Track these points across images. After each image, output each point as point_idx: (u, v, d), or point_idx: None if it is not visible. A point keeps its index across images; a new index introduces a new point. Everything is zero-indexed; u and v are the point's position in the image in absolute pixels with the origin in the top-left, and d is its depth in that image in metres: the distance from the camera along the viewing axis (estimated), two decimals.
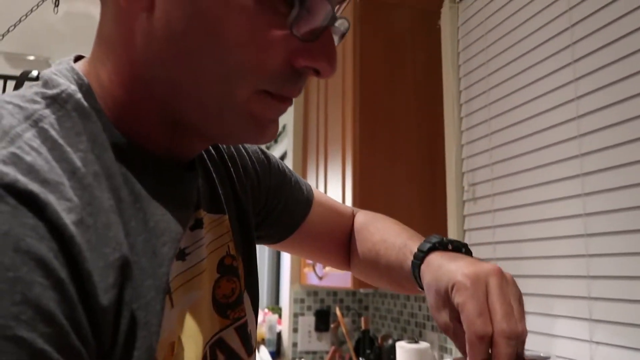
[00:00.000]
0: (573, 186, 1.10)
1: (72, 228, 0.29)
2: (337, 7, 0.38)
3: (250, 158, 0.58)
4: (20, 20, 2.07)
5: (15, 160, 0.29)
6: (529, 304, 1.20)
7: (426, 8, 1.65)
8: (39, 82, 0.37)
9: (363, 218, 0.69)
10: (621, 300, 0.97)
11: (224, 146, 0.55)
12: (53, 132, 0.33)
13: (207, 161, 0.50)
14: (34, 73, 2.05)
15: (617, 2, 1.01)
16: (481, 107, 1.46)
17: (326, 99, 1.88)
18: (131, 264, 0.33)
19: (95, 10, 2.50)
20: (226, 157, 0.54)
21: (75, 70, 0.38)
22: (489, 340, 0.40)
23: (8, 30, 2.06)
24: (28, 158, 0.30)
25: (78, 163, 0.32)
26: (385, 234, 0.62)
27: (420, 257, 0.51)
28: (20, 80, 2.01)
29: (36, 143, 0.31)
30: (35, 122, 0.32)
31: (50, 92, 0.35)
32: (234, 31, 0.34)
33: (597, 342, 1.01)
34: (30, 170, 0.29)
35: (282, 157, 3.08)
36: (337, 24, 0.38)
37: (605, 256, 1.01)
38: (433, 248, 0.50)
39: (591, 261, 1.04)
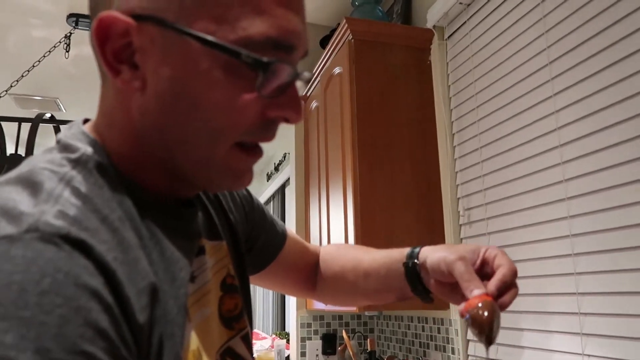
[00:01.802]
0: (559, 209, 1.19)
1: (112, 264, 0.36)
2: (298, 62, 0.45)
3: (237, 194, 0.67)
4: (33, 66, 2.18)
5: (62, 215, 0.36)
6: (525, 321, 1.28)
7: (417, 46, 1.77)
8: (58, 147, 0.44)
9: (330, 247, 0.79)
10: (609, 315, 1.05)
11: None
12: (83, 189, 0.40)
13: (203, 196, 0.59)
14: (47, 115, 2.15)
15: (589, 41, 1.12)
16: (472, 137, 1.56)
17: (326, 129, 1.98)
18: (158, 288, 0.40)
19: None
20: (218, 193, 0.63)
21: (86, 133, 0.45)
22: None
23: (22, 76, 2.17)
24: (71, 213, 0.37)
25: (105, 211, 0.40)
26: (360, 251, 0.72)
27: (418, 247, 0.61)
28: (36, 123, 2.11)
29: (73, 200, 0.38)
30: (67, 182, 0.39)
31: (73, 156, 0.42)
32: (211, 101, 0.41)
33: (589, 355, 1.08)
34: (75, 222, 0.36)
35: (285, 184, 3.17)
36: (300, 76, 0.44)
37: (592, 274, 1.09)
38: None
39: (579, 278, 1.12)
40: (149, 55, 0.41)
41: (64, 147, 0.44)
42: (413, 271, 0.60)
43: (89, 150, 0.43)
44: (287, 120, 0.45)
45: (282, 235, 0.73)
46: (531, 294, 1.26)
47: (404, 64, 1.75)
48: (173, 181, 0.47)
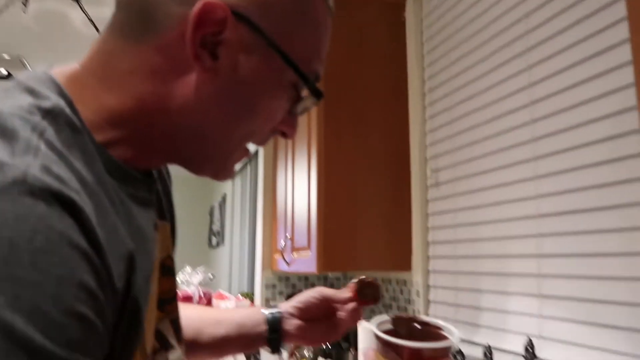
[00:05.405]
0: (526, 170, 1.15)
1: (97, 229, 0.35)
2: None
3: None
4: None
5: (47, 171, 0.33)
6: (485, 282, 1.25)
7: (391, 1, 1.69)
8: (19, 88, 0.39)
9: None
10: (567, 277, 1.02)
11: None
12: (57, 144, 0.36)
13: (155, 174, 0.55)
14: (3, 72, 2.04)
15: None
16: (444, 96, 1.50)
17: None
18: (135, 257, 0.39)
19: (66, 9, 2.49)
20: (164, 173, 0.59)
21: (55, 82, 0.41)
22: None
23: None
24: (54, 169, 0.34)
25: (83, 173, 0.37)
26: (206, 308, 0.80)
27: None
28: None
29: (51, 155, 0.35)
30: (40, 133, 0.36)
31: (44, 105, 0.38)
32: (265, 111, 0.46)
33: (544, 316, 1.06)
34: (61, 180, 0.34)
35: (255, 153, 3.10)
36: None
37: (554, 235, 1.06)
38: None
39: (541, 241, 1.09)
40: (233, 52, 0.42)
41: (29, 91, 0.38)
42: (275, 320, 0.70)
43: (61, 102, 0.39)
44: (284, 135, 0.50)
45: None
46: (492, 256, 1.23)
47: (377, 20, 1.67)
48: (149, 154, 0.45)
